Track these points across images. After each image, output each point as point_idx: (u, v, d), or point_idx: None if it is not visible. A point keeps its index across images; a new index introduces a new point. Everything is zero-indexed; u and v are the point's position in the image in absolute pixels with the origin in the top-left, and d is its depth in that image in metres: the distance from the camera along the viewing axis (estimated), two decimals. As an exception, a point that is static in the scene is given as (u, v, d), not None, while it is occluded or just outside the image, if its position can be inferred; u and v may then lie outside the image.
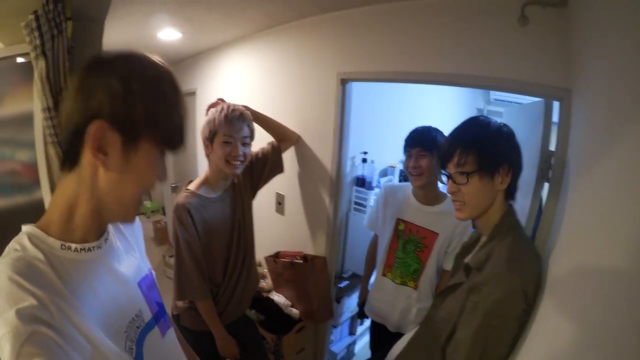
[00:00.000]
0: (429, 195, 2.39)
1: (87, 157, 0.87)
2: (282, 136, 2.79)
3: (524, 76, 1.68)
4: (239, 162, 2.18)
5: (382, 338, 2.63)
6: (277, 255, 3.05)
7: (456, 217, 1.56)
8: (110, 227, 1.07)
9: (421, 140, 2.29)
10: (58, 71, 1.64)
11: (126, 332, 1.01)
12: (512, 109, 3.00)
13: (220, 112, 2.14)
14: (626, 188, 0.95)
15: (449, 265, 2.33)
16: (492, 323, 1.30)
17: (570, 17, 1.53)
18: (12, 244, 0.86)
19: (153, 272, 1.25)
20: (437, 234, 2.34)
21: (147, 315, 1.13)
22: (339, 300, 3.29)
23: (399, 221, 2.49)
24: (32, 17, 1.53)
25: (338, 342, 3.71)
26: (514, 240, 1.40)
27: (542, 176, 1.81)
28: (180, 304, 2.26)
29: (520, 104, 3.26)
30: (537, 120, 1.91)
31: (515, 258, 1.34)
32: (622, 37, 1.08)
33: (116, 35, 3.08)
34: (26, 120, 1.81)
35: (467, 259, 1.56)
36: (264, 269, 3.34)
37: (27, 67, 1.71)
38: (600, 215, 1.10)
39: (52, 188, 1.81)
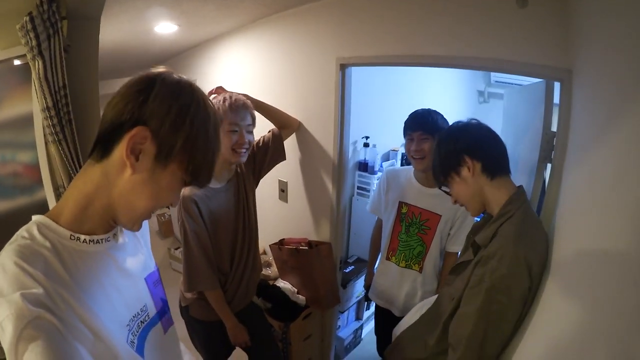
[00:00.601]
0: (430, 178, 2.37)
1: (119, 153, 0.90)
2: (283, 123, 2.80)
3: (524, 57, 1.67)
4: (244, 150, 2.19)
5: (387, 323, 2.64)
6: (281, 242, 3.05)
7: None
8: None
9: (422, 124, 2.31)
10: (56, 70, 1.64)
11: (128, 325, 1.03)
12: (512, 91, 2.99)
13: (224, 102, 2.13)
14: (628, 169, 0.95)
15: (452, 247, 2.38)
16: (496, 298, 1.33)
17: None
18: (21, 232, 0.88)
19: (158, 269, 1.26)
20: (440, 215, 2.37)
21: (152, 311, 1.16)
22: (344, 285, 3.31)
23: (401, 204, 2.51)
24: (27, 18, 1.53)
25: (345, 327, 3.75)
26: (520, 218, 1.43)
27: (544, 157, 1.80)
28: (189, 295, 2.28)
29: (521, 85, 3.25)
30: (538, 102, 1.90)
31: (521, 234, 1.37)
32: (622, 17, 1.08)
33: (113, 32, 3.08)
34: (26, 121, 1.81)
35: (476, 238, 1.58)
36: (269, 257, 3.35)
37: (24, 69, 1.71)
38: (604, 197, 1.11)
39: (55, 187, 1.82)
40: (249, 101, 2.24)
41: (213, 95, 2.39)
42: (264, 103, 2.64)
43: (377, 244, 2.83)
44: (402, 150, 3.80)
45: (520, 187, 1.54)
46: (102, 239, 0.98)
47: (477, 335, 1.36)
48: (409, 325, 1.84)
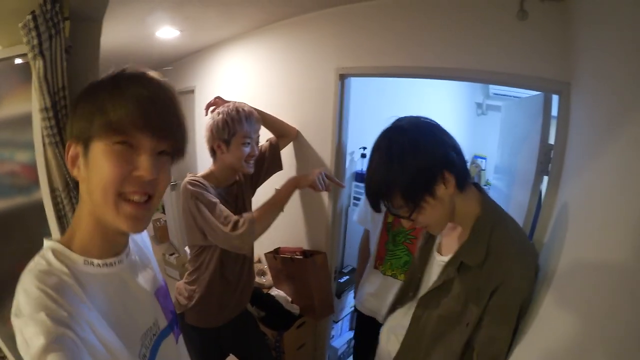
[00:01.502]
0: None
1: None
2: (282, 132, 2.80)
3: (523, 70, 1.68)
4: (252, 162, 2.23)
5: (369, 333, 2.65)
6: (276, 251, 3.05)
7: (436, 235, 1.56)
8: (130, 242, 1.11)
9: None
10: (56, 71, 1.64)
11: (141, 339, 1.04)
12: (511, 103, 3.00)
13: (237, 113, 2.15)
14: (626, 181, 0.95)
15: None
16: (519, 313, 1.31)
17: (569, 10, 1.53)
18: (38, 259, 0.90)
19: (165, 281, 1.28)
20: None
21: (163, 324, 1.17)
22: (339, 295, 3.30)
23: (387, 214, 2.50)
24: (29, 17, 1.53)
25: (339, 337, 3.73)
26: (508, 227, 1.38)
27: (541, 170, 1.81)
28: (183, 301, 2.26)
29: (519, 97, 3.26)
30: (536, 114, 1.91)
31: (520, 242, 1.36)
32: (621, 30, 1.09)
33: (114, 35, 3.09)
34: (25, 121, 1.80)
35: (446, 255, 1.51)
36: (264, 265, 3.34)
37: (25, 68, 1.70)
38: (601, 209, 1.11)
39: (52, 189, 1.81)
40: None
41: (212, 107, 2.41)
42: (262, 112, 2.64)
43: (364, 255, 2.82)
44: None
45: (478, 185, 1.47)
46: (114, 262, 1.01)
47: (505, 351, 1.33)
48: (397, 351, 1.66)
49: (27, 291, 0.81)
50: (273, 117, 2.75)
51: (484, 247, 1.34)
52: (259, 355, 2.57)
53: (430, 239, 1.70)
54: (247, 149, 2.17)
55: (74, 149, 0.94)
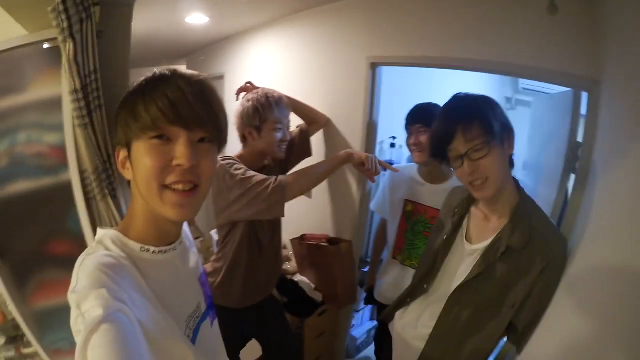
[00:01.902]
0: (434, 174, 2.41)
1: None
2: (312, 119, 2.81)
3: (552, 65, 1.66)
4: (284, 146, 2.25)
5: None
6: (302, 237, 3.06)
7: (479, 197, 1.52)
8: (182, 231, 1.18)
9: (421, 117, 2.32)
10: (87, 54, 1.67)
11: (186, 321, 1.11)
12: (540, 99, 2.96)
13: (267, 99, 2.16)
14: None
15: None
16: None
17: (601, 7, 1.50)
18: (96, 245, 0.98)
19: (204, 269, 1.36)
20: None
21: (203, 307, 1.24)
22: (362, 284, 3.28)
23: (407, 202, 2.51)
24: (59, 0, 1.55)
25: (359, 326, 3.75)
26: (544, 213, 1.47)
27: (568, 167, 1.79)
28: (209, 280, 2.27)
29: (549, 94, 3.22)
30: (565, 111, 1.89)
31: (557, 227, 1.48)
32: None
33: (144, 20, 3.11)
34: (53, 104, 1.83)
35: (485, 242, 1.53)
36: (289, 252, 3.36)
37: (54, 52, 1.73)
38: (624, 211, 1.10)
39: (81, 171, 1.84)
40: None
41: (243, 94, 2.41)
42: (292, 99, 2.63)
43: (380, 244, 2.85)
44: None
45: (518, 182, 1.53)
46: (169, 249, 1.08)
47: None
48: (426, 346, 1.67)
49: (87, 271, 0.86)
50: (303, 104, 2.75)
51: (527, 230, 1.39)
52: (283, 343, 2.58)
53: (457, 228, 1.70)
54: (279, 135, 2.19)
55: (122, 154, 1.01)
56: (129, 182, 1.05)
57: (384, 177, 2.77)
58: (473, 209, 1.69)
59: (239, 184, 1.98)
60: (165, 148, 0.95)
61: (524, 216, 1.43)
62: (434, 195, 2.38)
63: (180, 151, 0.94)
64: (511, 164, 1.46)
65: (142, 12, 2.62)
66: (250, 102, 2.17)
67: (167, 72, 0.97)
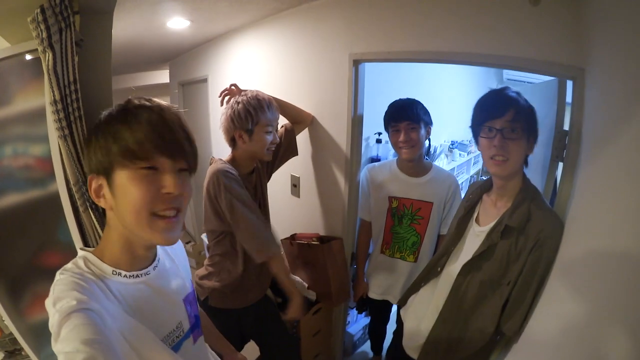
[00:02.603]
0: (417, 167, 2.49)
1: (107, 209, 1.05)
2: (297, 118, 2.80)
3: (536, 55, 1.67)
4: (273, 148, 2.25)
5: (383, 313, 2.71)
6: (293, 237, 3.05)
7: (494, 172, 1.68)
8: (160, 253, 1.22)
9: (409, 114, 2.36)
10: (67, 64, 1.65)
11: (163, 340, 1.12)
12: (525, 89, 2.99)
13: (258, 101, 2.16)
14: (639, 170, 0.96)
15: (445, 230, 2.43)
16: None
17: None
18: (70, 265, 1.01)
19: (194, 288, 1.38)
20: (432, 203, 2.44)
21: (186, 327, 1.26)
22: (354, 281, 3.28)
23: (391, 199, 2.55)
24: (38, 10, 1.54)
25: (354, 323, 3.74)
26: (543, 199, 1.62)
27: (556, 155, 1.81)
28: (207, 284, 2.29)
29: (533, 83, 3.24)
30: (551, 100, 1.91)
31: (553, 210, 1.58)
32: (636, 14, 1.08)
33: (125, 27, 3.10)
34: (38, 115, 1.83)
35: (491, 224, 1.70)
36: (281, 252, 3.35)
37: (37, 63, 1.72)
38: (615, 196, 1.11)
39: (67, 180, 1.83)
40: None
41: (227, 97, 2.39)
42: (277, 99, 2.63)
43: (364, 248, 2.86)
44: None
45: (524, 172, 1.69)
46: (141, 274, 1.11)
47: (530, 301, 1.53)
48: (434, 326, 1.83)
49: (63, 283, 0.93)
50: (288, 103, 2.74)
51: (525, 212, 1.57)
52: (280, 342, 2.59)
53: (470, 211, 1.89)
54: (269, 137, 2.19)
55: (95, 182, 1.02)
56: (102, 211, 1.07)
57: (362, 178, 2.80)
58: (485, 196, 1.86)
59: (233, 218, 2.09)
60: (154, 177, 0.99)
61: (524, 200, 1.60)
62: (417, 188, 2.46)
63: (170, 180, 1.00)
64: (526, 162, 1.65)
65: (123, 19, 2.61)
66: (241, 105, 2.16)
67: (145, 100, 1.01)
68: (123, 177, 0.97)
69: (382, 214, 2.60)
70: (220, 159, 2.22)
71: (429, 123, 2.43)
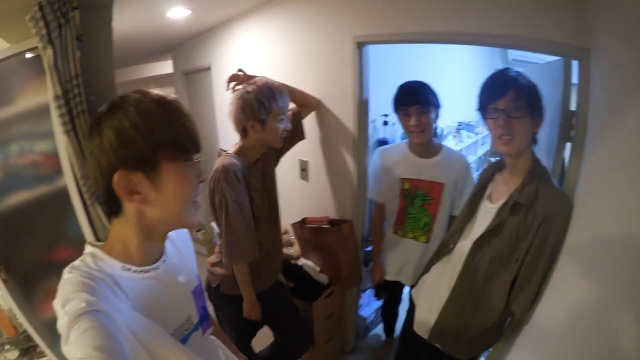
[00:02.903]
0: (428, 149, 2.49)
1: (126, 203, 1.03)
2: (303, 102, 2.79)
3: (542, 35, 1.65)
4: (285, 134, 2.25)
5: (395, 294, 2.73)
6: (303, 221, 3.06)
7: (502, 151, 1.69)
8: (168, 248, 1.22)
9: (419, 98, 2.35)
10: (67, 59, 1.65)
11: (173, 334, 1.14)
12: (530, 69, 2.97)
13: (270, 90, 2.14)
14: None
15: (457, 211, 2.44)
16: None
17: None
18: (78, 263, 1.01)
19: (200, 281, 1.38)
20: (443, 183, 2.44)
21: (195, 319, 1.29)
22: (367, 264, 3.30)
23: (403, 181, 2.55)
24: (36, 8, 1.54)
25: (367, 306, 3.75)
26: (550, 178, 1.62)
27: (564, 136, 1.80)
28: (219, 271, 2.30)
29: (538, 64, 3.21)
30: (556, 80, 1.88)
31: (561, 190, 1.59)
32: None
33: (126, 19, 3.09)
34: (41, 111, 1.84)
35: (501, 201, 1.71)
36: (291, 236, 3.37)
37: (39, 61, 1.72)
38: (622, 177, 1.11)
39: (75, 175, 1.83)
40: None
41: (234, 83, 2.38)
42: (283, 84, 2.61)
43: (378, 230, 2.85)
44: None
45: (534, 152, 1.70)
46: (150, 269, 1.11)
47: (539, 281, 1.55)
48: (445, 304, 1.85)
49: (71, 282, 0.93)
50: (293, 88, 2.71)
51: (534, 189, 1.58)
52: (294, 327, 2.61)
53: (481, 190, 1.92)
54: (282, 125, 2.18)
55: (125, 178, 0.97)
56: (114, 210, 1.06)
57: (373, 161, 2.79)
58: (497, 175, 1.87)
59: (219, 217, 2.15)
60: (193, 168, 1.08)
61: (533, 178, 1.61)
62: (428, 169, 2.46)
63: (201, 170, 1.11)
64: (534, 140, 1.66)
65: (123, 12, 2.60)
66: (252, 94, 2.12)
67: (172, 97, 1.04)
68: (171, 170, 1.01)
69: (395, 196, 2.60)
70: (228, 153, 2.21)
71: (438, 106, 2.41)
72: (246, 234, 2.14)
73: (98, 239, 1.87)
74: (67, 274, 0.96)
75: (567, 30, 1.55)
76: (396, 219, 2.66)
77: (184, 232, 1.40)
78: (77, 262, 1.01)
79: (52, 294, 0.87)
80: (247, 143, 2.25)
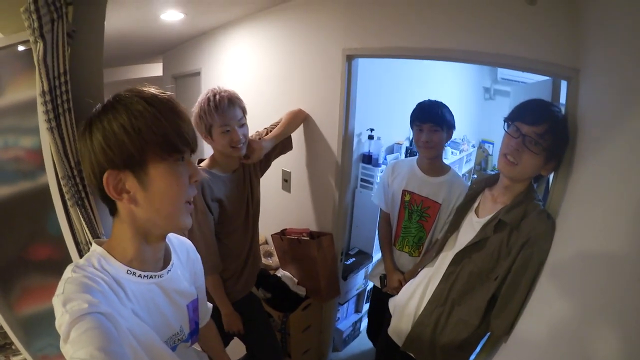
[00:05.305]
0: (434, 167, 2.51)
1: (119, 203, 1.03)
2: (296, 127, 2.82)
3: (531, 54, 1.67)
4: (242, 145, 2.18)
5: (383, 305, 2.71)
6: (283, 232, 3.05)
7: (500, 170, 1.70)
8: (174, 258, 1.26)
9: (433, 116, 2.36)
10: (57, 55, 1.64)
11: (166, 342, 1.16)
12: (519, 88, 3.00)
13: (208, 103, 2.10)
14: (632, 168, 0.96)
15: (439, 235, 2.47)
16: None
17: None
18: (83, 262, 1.02)
19: (197, 295, 1.38)
20: (440, 204, 2.45)
21: (186, 331, 1.30)
22: (345, 277, 3.30)
23: (404, 192, 2.57)
24: (30, 0, 1.53)
25: (344, 319, 3.75)
26: (538, 200, 1.64)
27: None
28: None
29: (527, 83, 3.24)
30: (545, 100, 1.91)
31: (548, 214, 1.56)
32: (632, 16, 1.08)
33: (118, 19, 3.09)
34: (29, 106, 1.81)
35: (487, 217, 1.74)
36: (271, 247, 3.35)
37: (30, 54, 1.70)
38: (606, 196, 1.12)
39: (57, 173, 1.80)
40: (235, 93, 2.19)
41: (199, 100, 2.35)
42: (279, 129, 2.61)
43: (386, 235, 2.83)
44: (406, 143, 3.81)
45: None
46: (155, 275, 1.13)
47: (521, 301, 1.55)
48: (422, 313, 1.87)
49: (74, 278, 0.94)
50: (288, 123, 2.70)
51: (522, 211, 1.60)
52: (264, 339, 2.59)
53: (470, 201, 1.93)
54: (227, 137, 2.13)
55: (114, 178, 0.97)
56: (111, 209, 1.06)
57: (385, 170, 2.80)
58: (487, 190, 1.88)
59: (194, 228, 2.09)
60: (184, 167, 1.05)
61: (523, 201, 1.63)
62: (431, 187, 2.49)
63: (196, 169, 1.08)
64: (536, 180, 1.71)
65: (117, 11, 2.59)
66: (197, 108, 2.14)
67: (166, 95, 1.02)
68: (160, 170, 0.99)
69: (396, 206, 2.63)
70: (200, 165, 2.25)
71: (452, 127, 2.44)
72: (204, 247, 2.13)
73: (76, 242, 1.84)
74: (70, 272, 0.96)
75: (556, 50, 1.58)
76: (395, 231, 2.69)
77: (190, 247, 1.41)
78: (82, 262, 1.02)
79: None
80: (216, 154, 2.26)
